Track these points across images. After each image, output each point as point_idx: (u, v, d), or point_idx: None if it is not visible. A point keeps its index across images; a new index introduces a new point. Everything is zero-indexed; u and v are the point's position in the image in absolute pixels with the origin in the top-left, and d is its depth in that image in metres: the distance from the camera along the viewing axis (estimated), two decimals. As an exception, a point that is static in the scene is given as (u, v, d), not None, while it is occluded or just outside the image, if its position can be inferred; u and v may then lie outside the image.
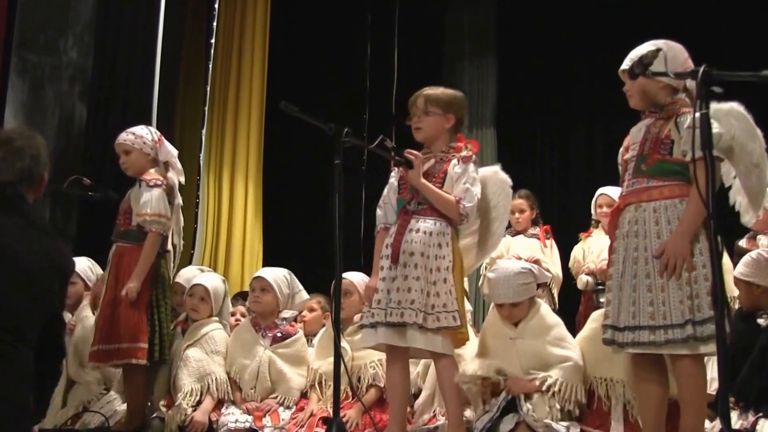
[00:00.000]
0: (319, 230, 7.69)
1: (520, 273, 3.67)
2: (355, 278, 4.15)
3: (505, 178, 3.70)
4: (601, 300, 4.14)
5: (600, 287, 4.74)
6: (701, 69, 2.69)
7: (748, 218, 3.23)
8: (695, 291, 2.89)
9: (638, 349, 2.98)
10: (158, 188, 4.19)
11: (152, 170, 4.27)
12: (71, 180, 4.48)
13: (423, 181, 3.47)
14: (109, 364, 4.11)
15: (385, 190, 3.73)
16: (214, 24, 8.17)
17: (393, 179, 3.71)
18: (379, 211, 3.71)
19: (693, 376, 2.90)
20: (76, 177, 4.29)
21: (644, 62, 2.95)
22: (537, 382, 3.56)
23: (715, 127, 2.97)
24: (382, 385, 3.94)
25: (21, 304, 2.42)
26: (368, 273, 4.17)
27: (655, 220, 3.00)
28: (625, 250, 3.05)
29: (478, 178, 3.55)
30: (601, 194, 5.20)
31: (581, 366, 3.61)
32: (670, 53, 3.06)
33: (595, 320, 3.76)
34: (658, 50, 3.01)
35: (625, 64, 3.17)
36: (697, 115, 2.91)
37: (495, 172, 3.71)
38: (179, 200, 4.39)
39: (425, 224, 3.50)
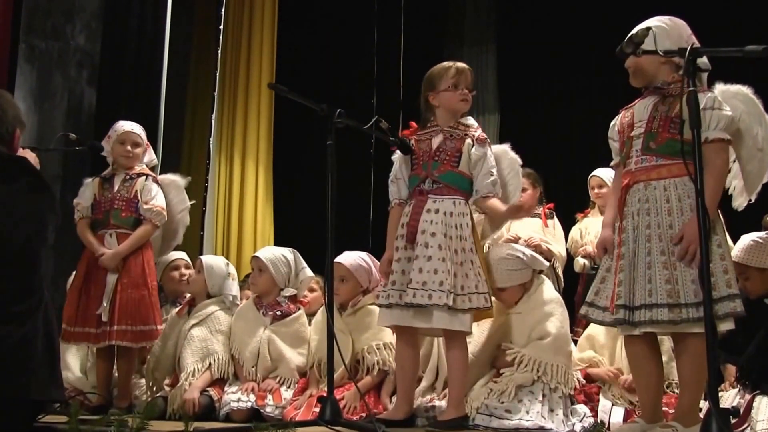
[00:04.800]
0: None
1: (504, 259, 3.67)
2: (350, 262, 4.09)
3: (515, 157, 3.76)
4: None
5: (595, 271, 4.69)
6: (688, 47, 2.72)
7: (740, 202, 3.22)
8: (710, 270, 2.80)
9: (656, 328, 2.94)
10: (159, 186, 4.40)
11: (144, 166, 4.46)
12: (58, 137, 4.61)
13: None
14: (141, 344, 4.26)
15: (396, 164, 3.71)
16: (223, 10, 8.22)
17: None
18: (392, 186, 3.71)
19: (698, 355, 2.86)
20: (62, 133, 4.39)
21: (634, 41, 2.96)
22: (508, 358, 3.61)
23: (727, 110, 2.98)
24: (386, 368, 3.93)
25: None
26: (377, 255, 4.13)
27: (665, 198, 2.97)
28: (636, 229, 3.01)
29: (493, 160, 3.60)
30: (592, 176, 5.20)
31: (562, 346, 3.63)
32: (662, 31, 3.04)
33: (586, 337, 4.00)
34: (648, 29, 3.01)
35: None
36: (710, 95, 2.96)
37: (505, 150, 3.75)
38: (188, 203, 4.58)
39: (444, 204, 3.50)
